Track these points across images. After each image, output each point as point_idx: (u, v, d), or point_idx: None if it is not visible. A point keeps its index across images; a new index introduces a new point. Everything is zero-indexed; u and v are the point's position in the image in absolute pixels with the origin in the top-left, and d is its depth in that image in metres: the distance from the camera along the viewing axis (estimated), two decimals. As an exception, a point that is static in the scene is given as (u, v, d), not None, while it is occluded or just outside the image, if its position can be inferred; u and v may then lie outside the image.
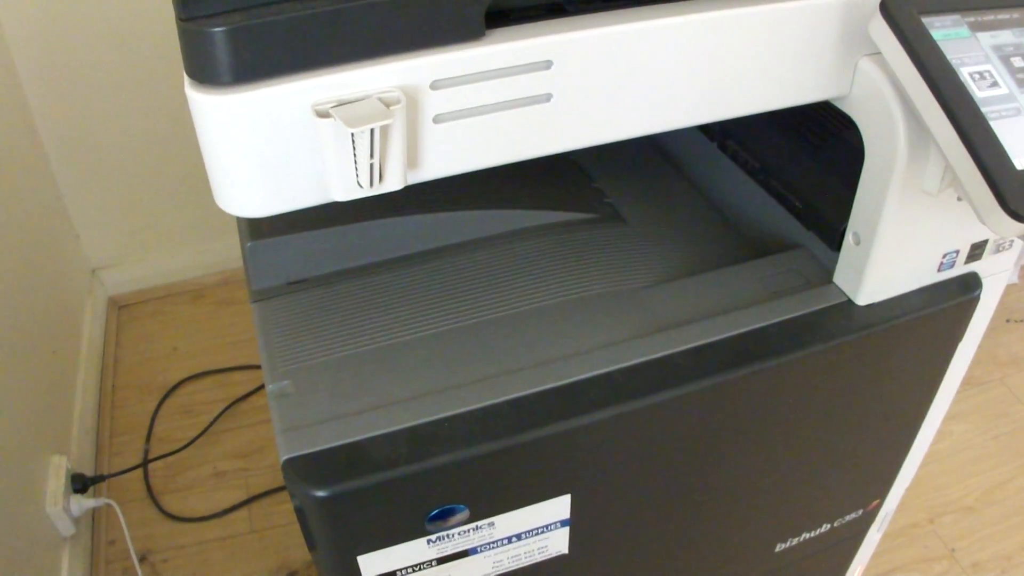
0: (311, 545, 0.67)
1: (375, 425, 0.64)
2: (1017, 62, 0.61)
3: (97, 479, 1.58)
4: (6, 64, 1.65)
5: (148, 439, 1.72)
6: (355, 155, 0.51)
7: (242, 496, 1.60)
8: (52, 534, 1.41)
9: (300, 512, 0.63)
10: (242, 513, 1.58)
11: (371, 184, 0.53)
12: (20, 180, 1.63)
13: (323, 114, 0.51)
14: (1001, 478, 1.62)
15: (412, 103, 0.53)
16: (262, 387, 1.77)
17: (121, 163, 1.87)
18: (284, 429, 0.64)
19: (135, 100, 1.79)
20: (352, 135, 0.50)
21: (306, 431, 0.64)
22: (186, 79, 0.51)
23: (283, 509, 1.58)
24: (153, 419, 1.76)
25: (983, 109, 0.58)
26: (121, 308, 2.03)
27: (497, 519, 0.70)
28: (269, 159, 0.53)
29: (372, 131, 0.50)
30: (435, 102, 0.54)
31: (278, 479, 1.62)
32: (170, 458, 1.68)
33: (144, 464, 1.66)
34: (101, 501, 1.54)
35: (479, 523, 0.69)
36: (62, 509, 1.41)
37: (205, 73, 0.50)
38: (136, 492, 1.62)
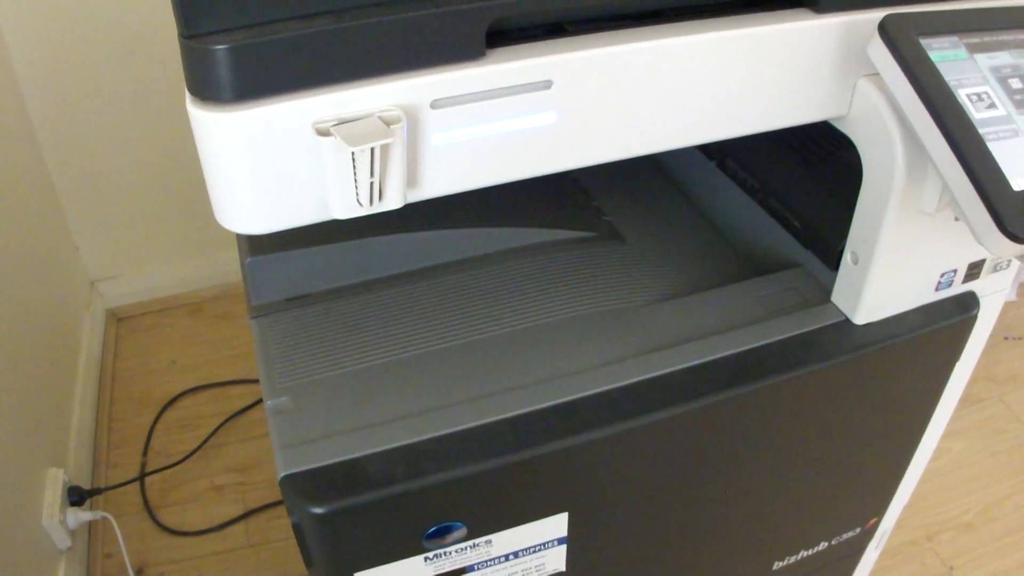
0: (308, 561, 0.66)
1: (374, 442, 0.64)
2: (1015, 83, 0.61)
3: (94, 492, 1.58)
4: (8, 77, 1.66)
5: (145, 452, 1.72)
6: (355, 173, 0.52)
7: (239, 510, 1.60)
8: (49, 547, 1.40)
9: (298, 528, 0.63)
10: (239, 527, 1.58)
11: (371, 202, 0.54)
12: (20, 192, 1.64)
13: (324, 132, 0.51)
14: (999, 495, 1.62)
15: (412, 122, 0.53)
16: (260, 401, 1.78)
17: (121, 176, 1.88)
18: (283, 445, 0.65)
19: (135, 114, 1.79)
20: (352, 153, 0.50)
21: (305, 448, 0.64)
22: (188, 96, 0.52)
23: (280, 524, 1.57)
24: (150, 432, 1.76)
25: (980, 130, 0.58)
26: (120, 321, 2.03)
27: (495, 537, 0.70)
28: (270, 176, 0.53)
29: (372, 150, 0.50)
30: (435, 121, 0.54)
31: (275, 493, 1.62)
32: (167, 471, 1.67)
33: (141, 477, 1.66)
34: (98, 514, 1.54)
35: (476, 540, 0.69)
36: (59, 522, 1.41)
37: (207, 90, 0.50)
38: (133, 505, 1.62)
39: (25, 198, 1.66)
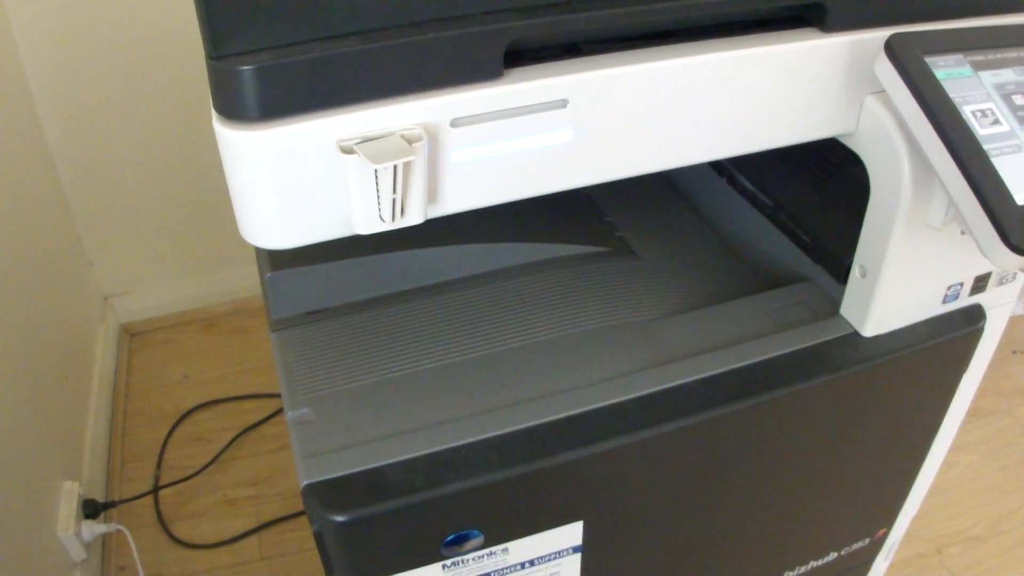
0: (329, 570, 0.68)
1: (393, 452, 0.66)
2: (1018, 100, 0.63)
3: (108, 505, 1.59)
4: (23, 92, 1.68)
5: (159, 466, 1.73)
6: (378, 190, 0.53)
7: (252, 523, 1.61)
8: (63, 559, 1.42)
9: (319, 537, 0.64)
10: (252, 540, 1.58)
11: (393, 218, 0.55)
12: (34, 207, 1.65)
13: (348, 150, 0.52)
14: (1008, 508, 1.62)
15: (433, 140, 0.55)
16: (273, 415, 1.79)
17: (134, 192, 1.89)
18: (304, 455, 0.66)
19: (149, 130, 1.81)
20: (376, 171, 0.52)
21: (326, 457, 0.65)
22: (214, 114, 0.53)
23: (293, 537, 1.58)
24: (164, 446, 1.77)
25: (985, 146, 0.59)
26: (133, 336, 2.05)
27: (511, 545, 0.71)
28: (294, 193, 0.54)
29: (395, 167, 0.52)
30: (455, 139, 0.56)
31: (288, 507, 1.63)
32: (181, 485, 1.68)
33: (155, 491, 1.67)
34: (112, 527, 1.55)
35: (493, 548, 0.70)
36: (73, 534, 1.42)
37: (233, 109, 0.52)
38: (147, 518, 1.63)
39: (39, 214, 1.68)
